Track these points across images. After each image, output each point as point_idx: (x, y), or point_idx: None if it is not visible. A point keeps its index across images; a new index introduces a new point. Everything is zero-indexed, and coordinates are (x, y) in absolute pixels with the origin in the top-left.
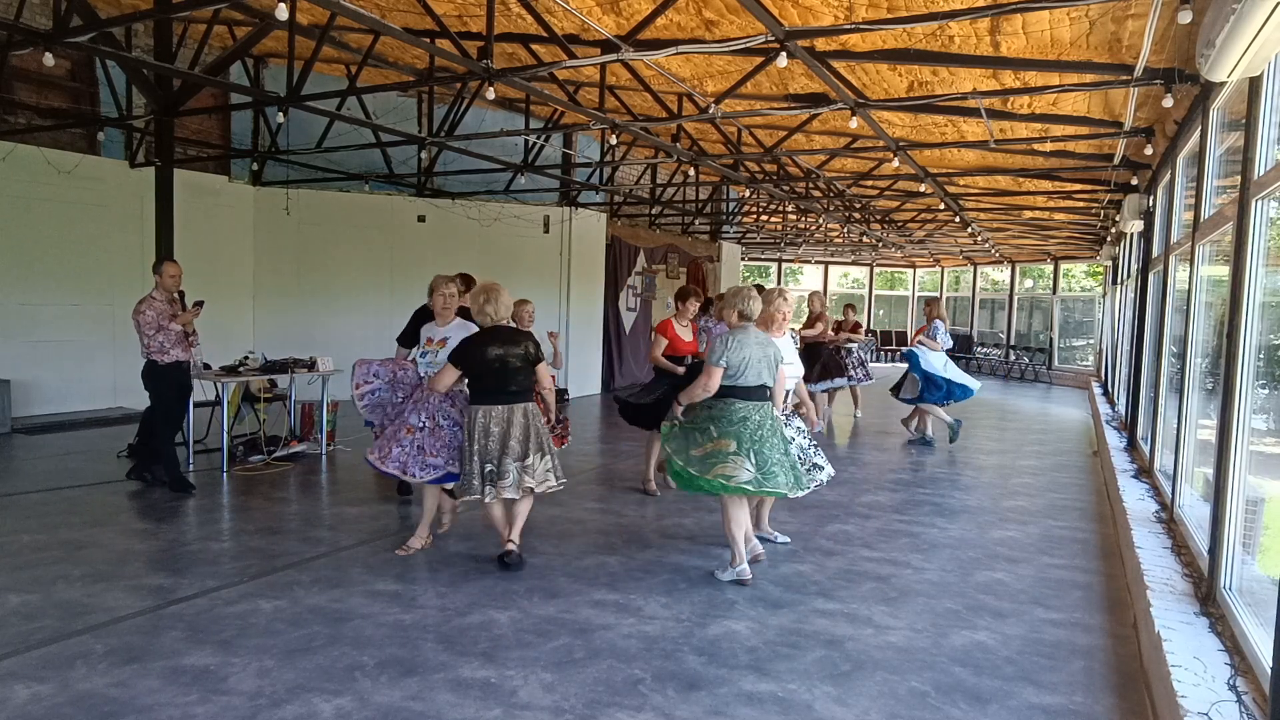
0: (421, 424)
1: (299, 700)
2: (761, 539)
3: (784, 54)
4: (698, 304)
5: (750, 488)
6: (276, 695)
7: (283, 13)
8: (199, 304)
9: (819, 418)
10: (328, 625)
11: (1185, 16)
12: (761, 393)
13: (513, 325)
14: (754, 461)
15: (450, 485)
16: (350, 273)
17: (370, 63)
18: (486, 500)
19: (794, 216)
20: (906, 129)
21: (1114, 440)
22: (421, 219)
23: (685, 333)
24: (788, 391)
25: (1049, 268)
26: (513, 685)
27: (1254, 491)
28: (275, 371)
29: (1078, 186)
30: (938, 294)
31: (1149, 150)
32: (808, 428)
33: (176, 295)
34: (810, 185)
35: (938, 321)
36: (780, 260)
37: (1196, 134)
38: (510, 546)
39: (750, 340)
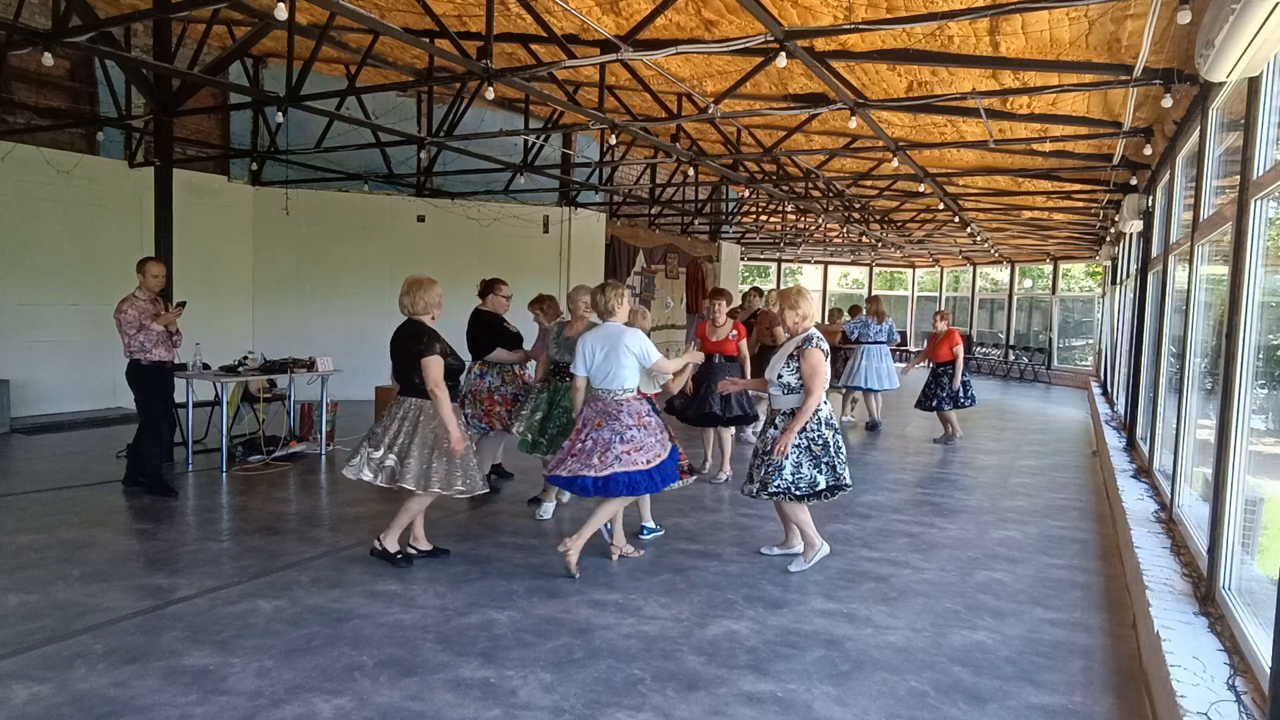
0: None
1: (298, 700)
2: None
3: (783, 54)
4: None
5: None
6: (276, 695)
7: (282, 12)
8: (181, 304)
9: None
10: (327, 625)
11: (1184, 17)
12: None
13: (419, 320)
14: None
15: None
16: (349, 273)
17: (369, 63)
18: (360, 478)
19: (793, 216)
20: (906, 129)
21: (1113, 440)
22: (421, 219)
23: (717, 333)
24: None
25: (1048, 268)
26: (512, 685)
27: (1253, 491)
28: (274, 371)
29: (1077, 187)
30: (878, 294)
31: (1148, 150)
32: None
33: (159, 295)
34: (809, 185)
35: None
36: (780, 260)
37: (1195, 134)
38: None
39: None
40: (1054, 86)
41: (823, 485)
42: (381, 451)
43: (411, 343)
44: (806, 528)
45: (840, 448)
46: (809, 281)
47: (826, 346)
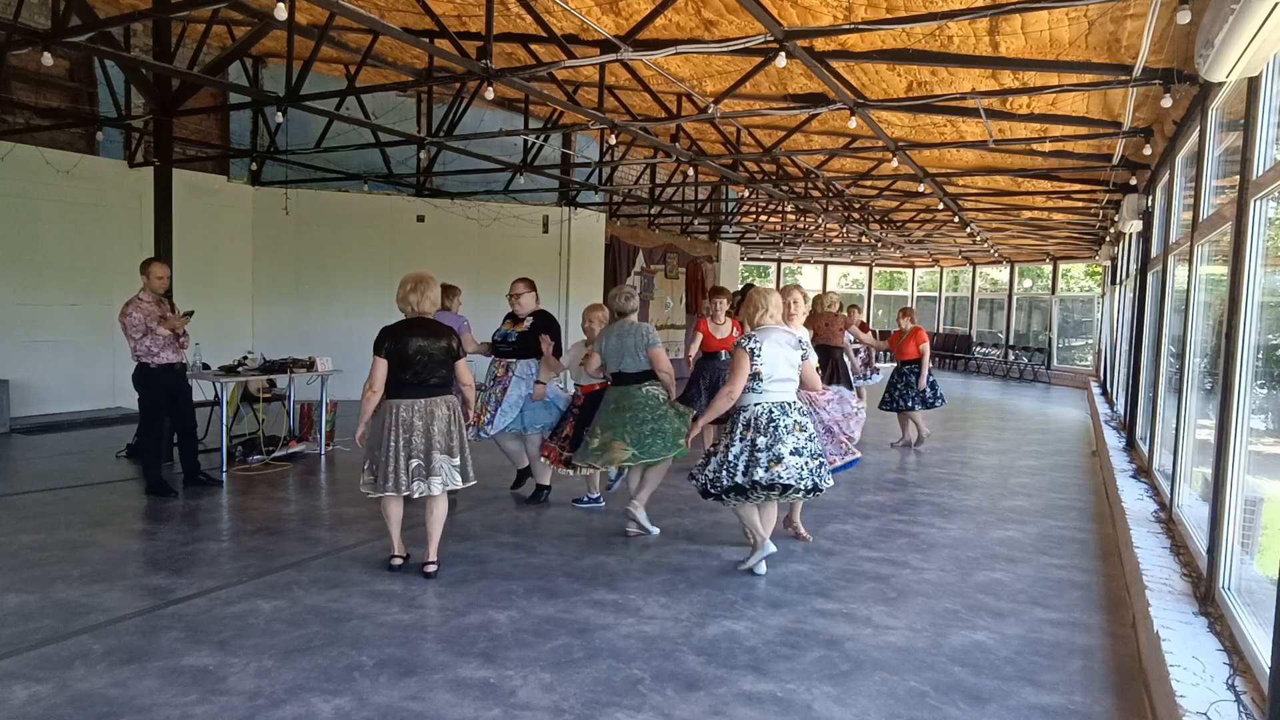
0: None
1: (298, 700)
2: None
3: (783, 54)
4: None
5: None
6: (275, 695)
7: (281, 12)
8: (189, 314)
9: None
10: (327, 625)
11: (1184, 17)
12: (622, 377)
13: (430, 317)
14: (610, 436)
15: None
16: (349, 273)
17: (369, 62)
18: (416, 496)
19: (793, 216)
20: (905, 129)
21: (1113, 440)
22: (420, 219)
23: (719, 330)
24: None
25: (1048, 268)
26: (512, 685)
27: (1252, 491)
28: (274, 371)
29: (1076, 187)
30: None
31: (1148, 150)
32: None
33: (164, 296)
34: (809, 185)
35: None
36: (779, 260)
37: (1195, 134)
38: (431, 565)
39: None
40: (1054, 86)
41: (726, 485)
42: (459, 458)
43: (443, 341)
44: (747, 523)
45: (760, 449)
46: (808, 282)
47: (756, 346)
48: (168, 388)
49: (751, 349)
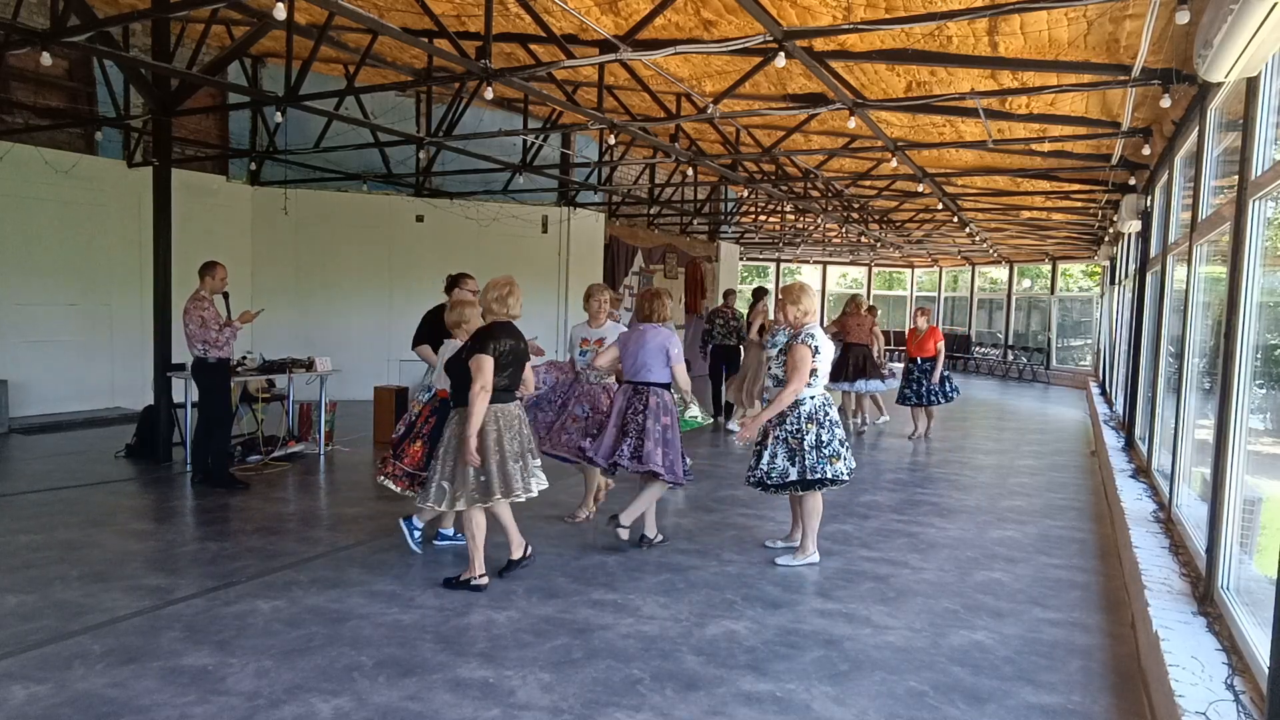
0: (585, 414)
1: (297, 700)
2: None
3: (782, 54)
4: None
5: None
6: (274, 695)
7: (280, 12)
8: (260, 310)
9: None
10: (326, 625)
11: (1183, 17)
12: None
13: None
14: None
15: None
16: (348, 273)
17: (368, 62)
18: (523, 499)
19: (792, 216)
20: (904, 129)
21: (1112, 440)
22: (420, 219)
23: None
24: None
25: (1047, 268)
26: (511, 685)
27: (1251, 491)
28: (273, 371)
29: (1075, 187)
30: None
31: (1146, 150)
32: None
33: (222, 296)
34: (808, 185)
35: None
36: (779, 260)
37: (1194, 134)
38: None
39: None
40: (1053, 87)
41: (793, 478)
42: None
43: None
44: (810, 532)
45: (825, 443)
46: (807, 281)
47: (818, 343)
48: (227, 380)
49: (814, 346)
